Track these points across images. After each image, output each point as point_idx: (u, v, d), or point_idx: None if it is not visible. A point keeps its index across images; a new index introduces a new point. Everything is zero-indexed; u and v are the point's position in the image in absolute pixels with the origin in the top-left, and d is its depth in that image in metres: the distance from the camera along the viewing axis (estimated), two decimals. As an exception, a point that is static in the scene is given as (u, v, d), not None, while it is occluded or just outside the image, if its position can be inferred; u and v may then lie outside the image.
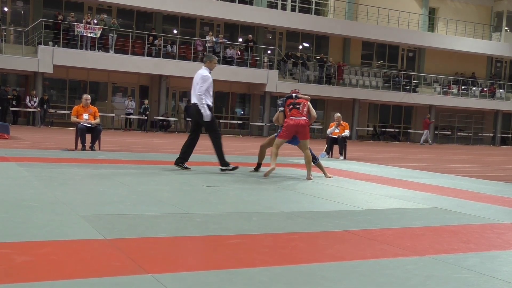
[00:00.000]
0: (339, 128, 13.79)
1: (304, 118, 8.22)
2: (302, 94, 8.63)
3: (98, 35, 23.99)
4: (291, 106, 8.28)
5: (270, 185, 7.14)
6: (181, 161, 8.50)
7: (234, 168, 8.52)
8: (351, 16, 31.69)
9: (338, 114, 14.23)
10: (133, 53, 25.13)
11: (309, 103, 8.41)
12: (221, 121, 28.28)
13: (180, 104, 28.73)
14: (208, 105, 8.44)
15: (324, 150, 13.85)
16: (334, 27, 30.01)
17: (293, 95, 8.46)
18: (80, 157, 9.39)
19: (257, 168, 8.80)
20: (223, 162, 8.52)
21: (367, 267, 3.30)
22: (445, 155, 19.36)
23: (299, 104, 8.27)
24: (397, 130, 32.86)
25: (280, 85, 27.39)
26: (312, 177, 8.23)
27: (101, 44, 24.39)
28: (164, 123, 26.05)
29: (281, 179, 7.93)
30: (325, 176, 8.64)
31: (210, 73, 8.58)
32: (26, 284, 2.63)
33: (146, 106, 25.48)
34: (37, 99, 22.98)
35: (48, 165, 7.93)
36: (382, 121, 34.26)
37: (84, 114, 11.17)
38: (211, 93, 8.53)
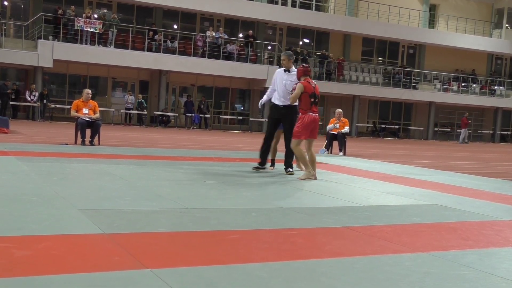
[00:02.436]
0: (338, 124, 13.79)
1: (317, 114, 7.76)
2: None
3: (98, 30, 23.96)
4: (313, 100, 7.62)
5: (269, 181, 7.15)
6: (287, 166, 8.33)
7: (258, 168, 8.14)
8: (351, 12, 31.64)
9: (339, 110, 14.23)
10: (133, 48, 25.10)
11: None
12: (220, 116, 28.27)
13: (180, 100, 28.72)
14: (273, 103, 8.19)
15: (323, 146, 13.86)
16: (334, 23, 29.98)
17: (310, 78, 7.74)
18: (79, 152, 9.39)
19: (272, 165, 8.71)
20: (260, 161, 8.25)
21: (366, 263, 3.31)
22: (445, 152, 19.36)
23: (318, 98, 7.73)
24: (396, 126, 32.86)
25: (280, 81, 27.32)
26: (316, 177, 7.80)
27: (101, 39, 24.35)
28: (164, 118, 26.05)
29: (280, 175, 7.93)
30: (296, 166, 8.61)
31: (284, 70, 8.30)
32: (25, 278, 2.63)
33: (140, 100, 25.42)
34: (37, 94, 22.96)
35: (47, 159, 7.93)
36: (382, 118, 34.26)
37: (84, 109, 11.16)
38: (273, 89, 8.40)
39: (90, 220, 3.99)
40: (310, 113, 7.58)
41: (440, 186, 7.72)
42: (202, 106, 26.71)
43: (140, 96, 25.70)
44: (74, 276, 2.71)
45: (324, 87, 29.25)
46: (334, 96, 31.34)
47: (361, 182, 7.71)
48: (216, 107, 29.19)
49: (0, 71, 24.97)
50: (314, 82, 7.83)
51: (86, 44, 23.88)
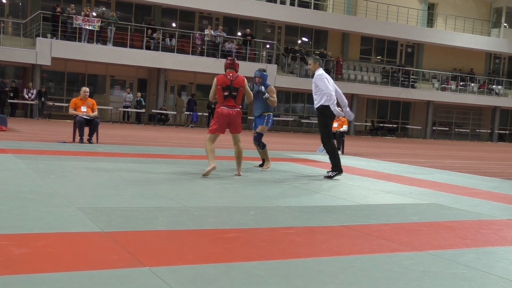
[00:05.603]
0: (337, 123, 13.80)
1: (238, 109, 7.32)
2: (237, 63, 7.43)
3: (97, 28, 23.93)
4: (227, 93, 7.16)
5: (267, 180, 7.15)
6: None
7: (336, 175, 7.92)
8: (350, 10, 31.64)
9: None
10: (132, 46, 25.06)
11: (246, 83, 7.40)
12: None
13: (183, 99, 28.63)
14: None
15: (322, 145, 13.85)
16: (333, 21, 29.97)
17: (229, 75, 7.22)
18: (77, 150, 9.38)
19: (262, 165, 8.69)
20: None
21: (364, 262, 3.31)
22: (443, 151, 19.38)
23: (236, 90, 7.22)
24: (395, 125, 32.86)
25: (279, 80, 27.36)
26: (241, 174, 7.41)
27: (100, 37, 24.32)
28: (162, 116, 26.02)
29: (278, 174, 7.94)
30: (263, 166, 8.39)
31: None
32: (23, 276, 2.63)
33: (139, 99, 25.39)
34: (35, 91, 22.93)
35: (45, 157, 7.93)
36: (380, 116, 34.28)
37: (82, 107, 11.15)
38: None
39: (88, 218, 3.99)
40: (223, 107, 7.16)
41: (438, 185, 7.73)
42: (213, 106, 26.60)
43: (139, 94, 25.66)
44: (72, 274, 2.71)
45: (322, 85, 29.29)
46: (333, 95, 31.30)
47: (360, 181, 7.72)
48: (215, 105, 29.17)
49: (-2, 68, 24.94)
50: (232, 67, 7.31)
51: (84, 42, 23.84)
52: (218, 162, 9.07)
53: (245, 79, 7.40)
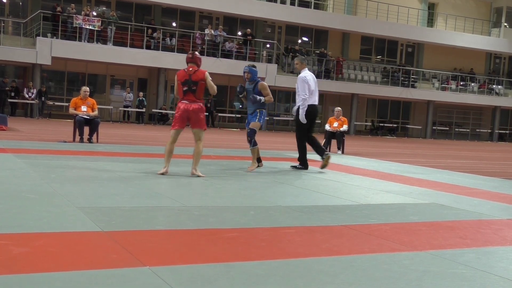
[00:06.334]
0: (337, 122, 13.80)
1: (199, 103, 7.09)
2: (198, 56, 7.21)
3: (97, 28, 23.93)
4: (186, 88, 6.98)
5: (267, 179, 7.15)
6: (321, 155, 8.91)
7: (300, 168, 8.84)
8: (350, 10, 31.64)
9: (339, 108, 14.23)
10: (132, 46, 25.07)
11: (207, 77, 7.11)
12: (219, 114, 28.26)
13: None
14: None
15: (322, 144, 13.86)
16: (333, 21, 29.97)
17: (189, 67, 7.06)
18: (78, 149, 9.38)
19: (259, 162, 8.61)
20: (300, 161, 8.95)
21: (364, 262, 3.31)
22: (443, 150, 19.38)
23: (196, 84, 6.99)
24: (395, 125, 32.86)
25: (279, 79, 27.37)
26: (197, 173, 6.98)
27: (100, 37, 24.32)
28: (163, 113, 26.00)
29: (278, 173, 7.94)
30: (251, 167, 8.04)
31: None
32: (23, 275, 2.63)
33: (141, 98, 25.39)
34: (35, 91, 22.94)
35: (46, 157, 7.92)
36: (381, 116, 34.29)
37: (82, 106, 11.15)
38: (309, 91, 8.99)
39: (88, 218, 3.99)
40: (182, 102, 7.02)
41: (438, 184, 7.72)
42: (209, 105, 26.56)
43: (141, 94, 25.66)
44: (71, 273, 2.71)
45: (322, 85, 29.26)
46: (333, 95, 31.34)
47: (359, 180, 7.72)
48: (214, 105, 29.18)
49: (-1, 68, 24.94)
50: (192, 60, 7.12)
51: (84, 41, 23.85)
52: (218, 161, 9.08)
53: (207, 72, 7.17)
